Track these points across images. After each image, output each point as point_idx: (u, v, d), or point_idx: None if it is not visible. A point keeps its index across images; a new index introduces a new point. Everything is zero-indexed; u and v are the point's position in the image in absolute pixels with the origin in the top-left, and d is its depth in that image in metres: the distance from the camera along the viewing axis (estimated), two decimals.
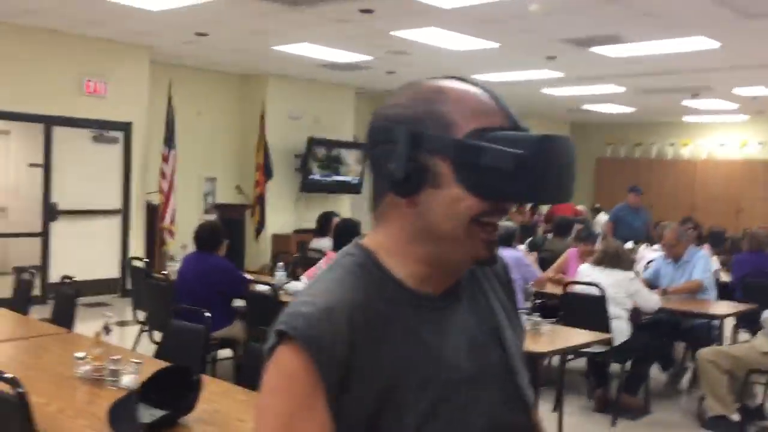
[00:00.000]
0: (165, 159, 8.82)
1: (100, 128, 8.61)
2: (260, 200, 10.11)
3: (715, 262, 6.86)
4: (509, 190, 0.92)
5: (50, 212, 8.31)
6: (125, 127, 8.80)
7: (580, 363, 5.81)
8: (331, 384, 0.90)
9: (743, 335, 6.09)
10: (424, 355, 0.95)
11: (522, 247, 7.34)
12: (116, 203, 8.84)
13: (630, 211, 8.80)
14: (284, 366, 0.91)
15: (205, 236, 4.93)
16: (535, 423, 1.11)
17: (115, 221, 8.85)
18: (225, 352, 5.11)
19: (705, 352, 4.70)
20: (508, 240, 5.64)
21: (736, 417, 4.61)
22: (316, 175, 10.81)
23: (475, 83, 0.99)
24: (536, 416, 1.15)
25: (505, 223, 5.96)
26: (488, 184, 0.92)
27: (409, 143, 0.94)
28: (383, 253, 0.99)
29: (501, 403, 1.00)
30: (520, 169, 0.89)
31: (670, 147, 15.36)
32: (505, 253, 5.47)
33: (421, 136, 0.94)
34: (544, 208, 13.42)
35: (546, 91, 11.11)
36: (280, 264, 5.72)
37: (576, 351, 4.75)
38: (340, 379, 0.90)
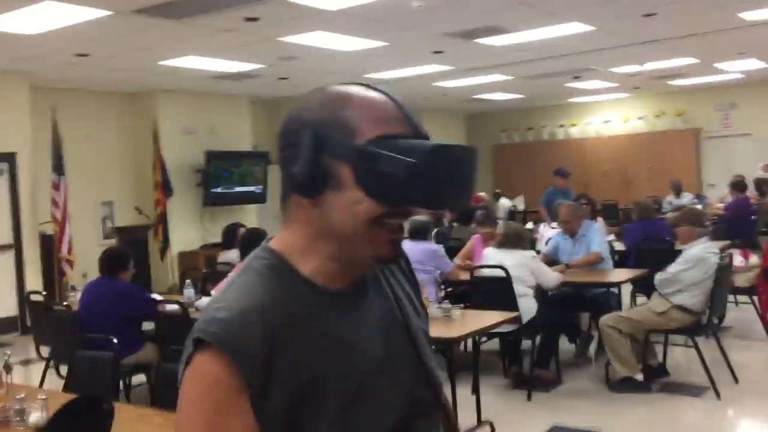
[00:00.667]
0: (55, 187, 8.48)
1: None
2: (162, 219, 9.87)
3: (608, 234, 7.21)
4: (404, 196, 0.95)
5: None
6: (9, 158, 8.39)
7: (494, 344, 6.01)
8: (254, 386, 0.92)
9: (640, 299, 6.44)
10: (339, 347, 0.99)
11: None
12: (7, 237, 8.43)
13: (559, 194, 8.84)
14: (204, 373, 0.92)
15: (108, 260, 4.81)
16: (444, 402, 1.18)
17: (8, 256, 8.43)
18: (139, 378, 4.99)
19: (606, 319, 4.96)
20: (423, 233, 5.76)
21: (640, 377, 4.89)
22: (219, 188, 10.65)
23: (380, 90, 1.02)
24: (444, 397, 1.21)
25: (418, 217, 6.08)
26: (385, 189, 0.95)
27: (312, 147, 0.97)
28: (291, 253, 1.03)
29: (413, 385, 1.06)
30: (412, 176, 0.93)
31: (560, 128, 16.02)
32: (423, 246, 5.64)
33: (324, 141, 0.97)
34: None
35: (438, 83, 11.36)
36: (188, 281, 5.62)
37: (486, 333, 4.89)
38: (262, 381, 0.92)
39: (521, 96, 13.77)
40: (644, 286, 6.10)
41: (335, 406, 0.96)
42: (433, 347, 4.71)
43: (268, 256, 1.03)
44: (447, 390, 4.20)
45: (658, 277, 4.96)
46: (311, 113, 1.00)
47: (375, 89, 1.03)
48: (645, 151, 14.71)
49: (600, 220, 7.74)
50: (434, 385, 1.09)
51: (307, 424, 0.94)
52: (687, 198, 11.68)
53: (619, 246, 7.23)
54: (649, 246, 6.39)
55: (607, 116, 15.51)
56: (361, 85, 1.04)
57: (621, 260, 6.73)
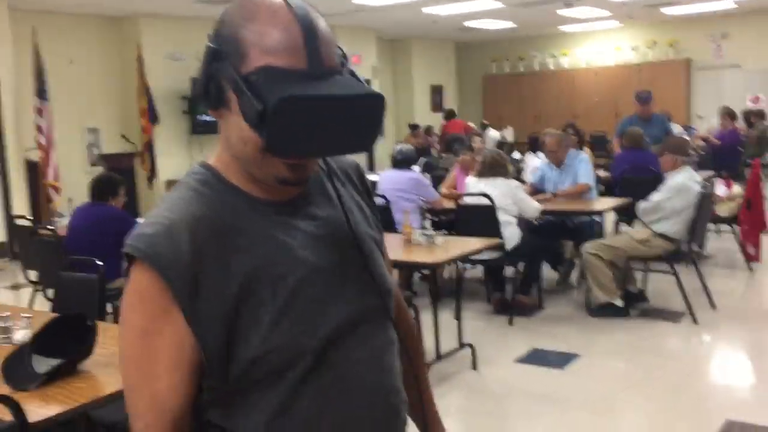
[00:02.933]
0: (39, 112, 8.35)
1: None
2: (149, 147, 9.80)
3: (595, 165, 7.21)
4: (261, 136, 0.92)
5: None
6: None
7: (478, 272, 6.10)
8: (182, 294, 0.95)
9: (624, 228, 6.51)
10: (276, 255, 1.00)
11: (416, 168, 7.49)
12: None
13: (639, 122, 7.47)
14: (136, 285, 0.97)
15: (99, 186, 4.78)
16: (399, 305, 1.20)
17: None
18: None
19: (588, 246, 5.03)
20: (408, 162, 5.76)
21: (619, 303, 5.00)
22: (205, 116, 10.53)
23: (294, 10, 0.95)
24: (398, 297, 1.23)
25: (402, 146, 6.07)
26: (251, 121, 0.93)
27: (208, 63, 0.97)
28: (222, 166, 1.04)
29: (356, 292, 1.06)
30: (260, 122, 0.90)
31: (552, 59, 15.83)
32: (407, 175, 5.64)
33: (220, 59, 0.96)
34: (438, 129, 13.64)
35: (427, 10, 11.14)
36: None
37: (470, 259, 4.96)
38: (191, 289, 0.95)
39: (512, 24, 13.54)
40: (628, 215, 6.15)
41: (270, 310, 0.97)
42: (422, 272, 4.67)
43: (201, 170, 1.05)
44: (429, 315, 4.30)
45: (641, 205, 5.00)
46: (222, 25, 0.99)
47: (290, 6, 0.96)
48: (636, 82, 14.57)
49: (587, 150, 7.75)
50: (383, 291, 1.09)
51: (243, 329, 0.96)
52: (675, 129, 11.65)
53: (603, 174, 7.24)
54: (633, 175, 6.41)
55: (598, 46, 15.33)
56: None
57: (607, 190, 6.77)
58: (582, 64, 15.52)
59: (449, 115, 13.47)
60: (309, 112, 0.91)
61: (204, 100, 0.99)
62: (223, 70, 0.95)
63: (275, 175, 0.99)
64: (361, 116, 0.95)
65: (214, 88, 0.97)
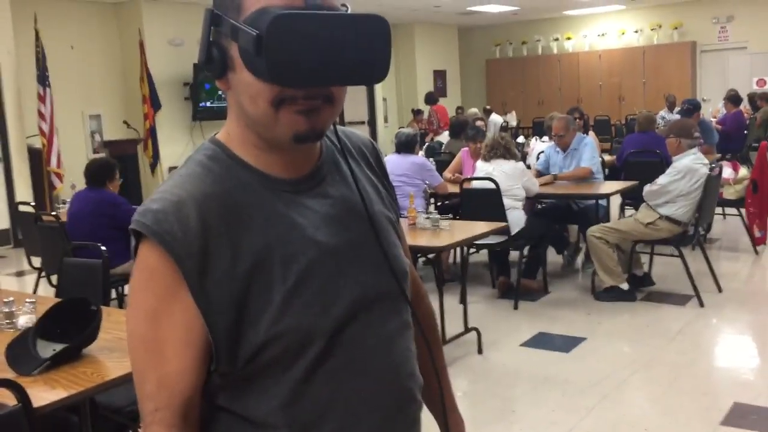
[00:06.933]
0: (41, 99, 8.34)
1: None
2: (151, 133, 9.77)
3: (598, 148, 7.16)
4: (262, 71, 0.88)
5: None
6: None
7: (482, 257, 6.08)
8: (190, 273, 0.91)
9: (629, 212, 6.48)
10: (287, 234, 0.97)
11: (420, 153, 7.44)
12: None
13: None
14: (144, 263, 0.94)
15: (94, 171, 4.78)
16: (416, 289, 1.17)
17: None
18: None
19: (593, 230, 5.00)
20: (409, 146, 5.72)
21: (625, 286, 4.97)
22: (207, 102, 10.50)
23: None
24: (416, 282, 1.20)
25: (403, 130, 6.03)
26: (253, 66, 0.90)
27: (209, 26, 0.94)
28: (231, 142, 1.01)
29: (369, 273, 1.03)
30: (258, 50, 0.87)
31: (554, 42, 15.73)
32: (410, 159, 5.61)
33: (219, 19, 0.93)
34: (443, 115, 13.53)
35: None
36: None
37: (475, 243, 4.93)
38: (199, 268, 0.92)
39: (516, 8, 13.43)
40: (634, 199, 6.12)
41: (280, 291, 0.94)
42: (426, 256, 4.60)
43: (210, 146, 1.01)
44: (435, 299, 4.28)
45: (647, 188, 4.97)
46: None
47: None
48: (639, 65, 14.53)
49: (592, 134, 7.69)
50: (398, 272, 1.05)
51: (253, 311, 0.93)
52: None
53: (608, 159, 7.20)
54: (638, 159, 6.37)
55: (602, 29, 15.23)
56: None
57: (611, 174, 6.73)
58: (585, 47, 15.42)
59: (431, 99, 12.65)
60: (307, 29, 0.87)
61: (209, 68, 0.96)
62: (223, 28, 0.93)
63: (291, 131, 0.94)
64: (365, 40, 0.90)
65: (218, 52, 0.94)
